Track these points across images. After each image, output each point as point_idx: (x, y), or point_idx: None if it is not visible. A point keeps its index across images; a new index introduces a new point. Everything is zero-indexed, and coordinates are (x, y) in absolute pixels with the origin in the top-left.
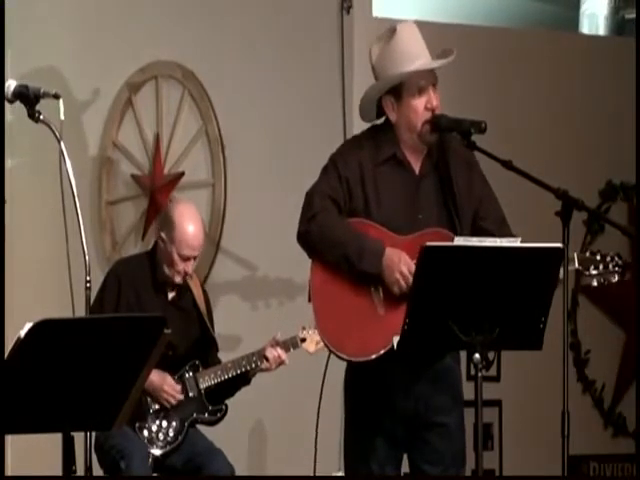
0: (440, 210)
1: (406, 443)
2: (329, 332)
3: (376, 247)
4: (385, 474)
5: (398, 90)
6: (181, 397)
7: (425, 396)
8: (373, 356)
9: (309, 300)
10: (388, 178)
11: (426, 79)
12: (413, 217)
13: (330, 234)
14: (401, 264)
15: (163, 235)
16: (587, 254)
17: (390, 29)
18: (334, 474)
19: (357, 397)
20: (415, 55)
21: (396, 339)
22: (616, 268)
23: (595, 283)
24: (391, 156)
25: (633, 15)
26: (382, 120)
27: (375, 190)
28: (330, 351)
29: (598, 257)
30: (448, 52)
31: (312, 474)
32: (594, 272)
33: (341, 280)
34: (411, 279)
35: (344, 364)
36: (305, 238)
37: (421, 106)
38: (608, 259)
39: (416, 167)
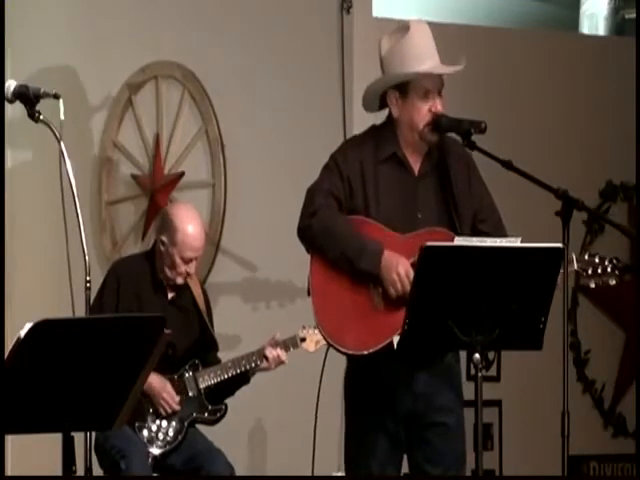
0: (440, 210)
1: (407, 443)
2: (328, 325)
3: (375, 248)
4: (384, 471)
5: (405, 87)
6: (177, 408)
7: (426, 395)
8: (372, 350)
9: (308, 294)
10: (388, 177)
11: (433, 83)
12: (412, 216)
13: (331, 231)
14: (399, 266)
15: (164, 238)
16: (586, 256)
17: (404, 26)
18: (334, 474)
19: (357, 397)
20: (425, 57)
21: (396, 339)
22: (615, 271)
23: (593, 285)
24: (391, 155)
25: (633, 15)
26: (383, 120)
27: (375, 189)
28: (329, 344)
29: (597, 259)
30: (459, 59)
31: (311, 474)
32: (592, 274)
33: (341, 276)
34: (407, 282)
35: (343, 363)
36: (305, 233)
37: (425, 108)
38: (607, 262)
39: (415, 167)
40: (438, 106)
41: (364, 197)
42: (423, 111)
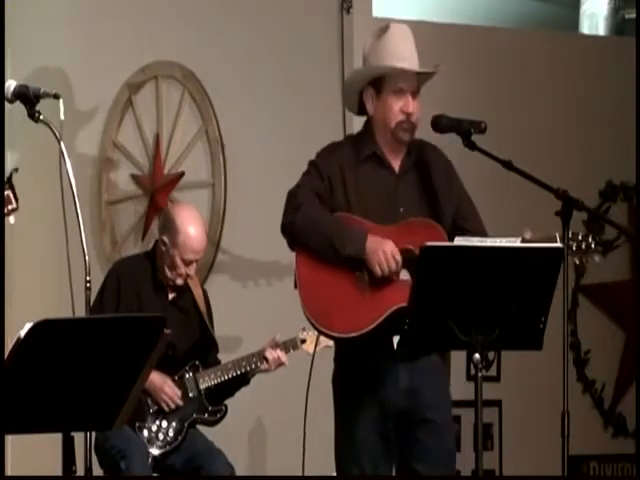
0: (421, 207)
1: (396, 440)
2: (317, 314)
3: (359, 233)
4: (376, 468)
5: (379, 84)
6: (180, 403)
7: (412, 391)
8: (361, 332)
9: (295, 287)
10: (368, 175)
11: (407, 83)
12: (394, 211)
13: (315, 223)
14: (385, 246)
15: (165, 239)
16: (569, 234)
17: (384, 26)
18: (334, 474)
19: (344, 392)
20: (402, 56)
21: (396, 339)
22: (597, 247)
23: (577, 261)
24: (371, 154)
25: (633, 15)
26: (361, 127)
27: (356, 187)
28: (318, 331)
29: (580, 237)
30: (436, 66)
31: (309, 474)
32: (576, 250)
33: (326, 267)
34: (393, 261)
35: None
36: (290, 229)
37: (397, 106)
38: (590, 239)
39: (395, 165)
40: (410, 107)
41: (345, 194)
42: (395, 109)
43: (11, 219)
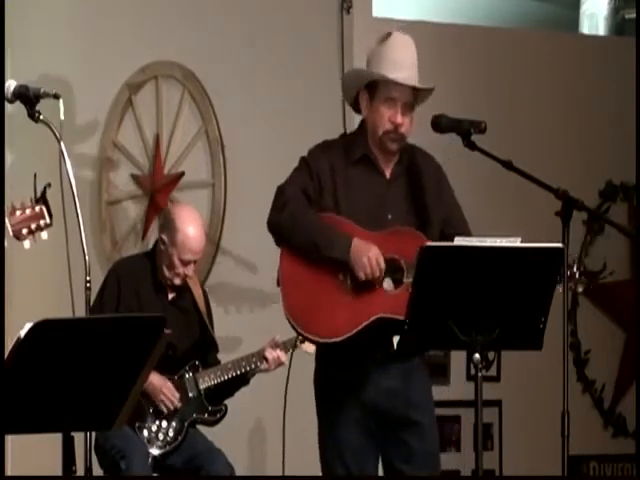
0: (409, 215)
1: (380, 440)
2: (298, 314)
3: (345, 236)
4: (362, 467)
5: (374, 90)
6: (178, 405)
7: (395, 392)
8: (343, 337)
9: (278, 284)
10: (359, 178)
11: (400, 93)
12: (383, 217)
13: (301, 221)
14: (370, 251)
15: (164, 237)
16: None
17: (387, 33)
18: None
19: (326, 390)
20: (398, 65)
21: (396, 339)
22: (582, 278)
23: (560, 290)
24: (362, 156)
25: (633, 15)
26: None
27: (345, 189)
28: (298, 333)
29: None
30: (431, 90)
31: (282, 473)
32: (560, 279)
33: (310, 267)
34: (376, 266)
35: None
36: (276, 226)
37: (386, 115)
38: (575, 269)
39: (387, 170)
40: (398, 118)
41: (334, 195)
42: (384, 118)
43: (43, 235)
